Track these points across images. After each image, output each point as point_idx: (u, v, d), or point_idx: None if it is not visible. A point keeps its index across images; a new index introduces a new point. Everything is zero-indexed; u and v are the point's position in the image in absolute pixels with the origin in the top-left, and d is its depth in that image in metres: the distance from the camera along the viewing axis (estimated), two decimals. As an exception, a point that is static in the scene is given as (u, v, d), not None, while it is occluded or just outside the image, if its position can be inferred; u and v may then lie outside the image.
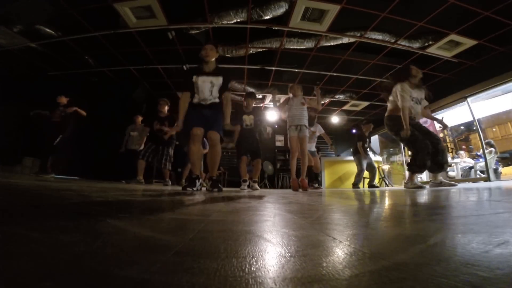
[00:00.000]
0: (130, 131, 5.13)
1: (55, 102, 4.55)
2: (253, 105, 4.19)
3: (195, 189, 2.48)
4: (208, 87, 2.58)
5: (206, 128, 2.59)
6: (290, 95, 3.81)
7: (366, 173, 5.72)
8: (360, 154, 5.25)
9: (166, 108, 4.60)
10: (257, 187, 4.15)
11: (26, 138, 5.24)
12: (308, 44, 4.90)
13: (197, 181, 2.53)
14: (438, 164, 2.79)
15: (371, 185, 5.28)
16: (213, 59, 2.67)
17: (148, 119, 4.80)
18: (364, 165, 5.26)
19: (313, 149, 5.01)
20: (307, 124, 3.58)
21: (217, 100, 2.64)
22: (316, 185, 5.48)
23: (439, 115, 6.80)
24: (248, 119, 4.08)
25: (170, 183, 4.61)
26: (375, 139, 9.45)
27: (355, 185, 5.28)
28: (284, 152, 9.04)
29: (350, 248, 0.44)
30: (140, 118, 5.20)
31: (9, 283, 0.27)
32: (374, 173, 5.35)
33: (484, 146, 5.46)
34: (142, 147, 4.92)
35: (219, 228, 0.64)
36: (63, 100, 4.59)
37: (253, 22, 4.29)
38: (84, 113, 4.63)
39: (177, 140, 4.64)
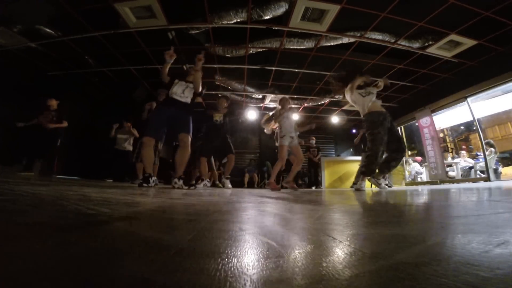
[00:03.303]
0: (118, 134, 5.24)
1: (45, 105, 4.61)
2: (226, 106, 4.34)
3: (148, 185, 2.65)
4: (182, 88, 2.94)
5: (175, 130, 2.82)
6: (279, 107, 3.92)
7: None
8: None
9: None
10: (229, 185, 4.21)
11: (27, 138, 5.25)
12: (308, 44, 4.89)
13: (150, 178, 2.71)
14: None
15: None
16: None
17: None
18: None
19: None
20: (296, 134, 3.80)
21: (188, 101, 2.93)
22: (301, 182, 5.51)
23: (438, 115, 6.83)
24: (218, 116, 4.19)
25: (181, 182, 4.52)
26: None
27: (355, 184, 5.22)
28: (284, 152, 9.04)
29: (350, 248, 0.44)
30: (129, 124, 5.27)
31: (9, 283, 0.27)
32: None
33: (484, 146, 5.46)
34: (131, 148, 5.06)
35: (219, 228, 0.64)
36: (53, 102, 4.65)
37: (253, 22, 4.29)
38: (64, 125, 4.65)
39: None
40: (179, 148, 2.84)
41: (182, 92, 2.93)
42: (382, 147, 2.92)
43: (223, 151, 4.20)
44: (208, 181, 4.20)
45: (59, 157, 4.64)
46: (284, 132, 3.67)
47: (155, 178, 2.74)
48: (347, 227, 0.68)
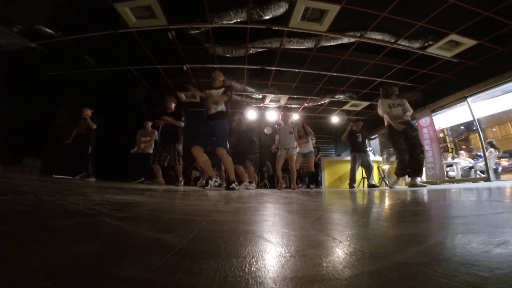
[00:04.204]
0: (141, 137, 5.27)
1: (80, 115, 4.84)
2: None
3: (208, 187, 3.06)
4: (211, 101, 3.16)
5: (214, 141, 3.18)
6: (282, 122, 4.60)
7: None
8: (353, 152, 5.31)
9: (173, 104, 4.67)
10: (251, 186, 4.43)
11: (27, 138, 5.25)
12: (308, 44, 4.89)
13: (210, 181, 3.14)
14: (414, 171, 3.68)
15: (370, 184, 5.22)
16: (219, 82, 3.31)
17: (154, 118, 4.95)
18: (356, 163, 5.22)
19: (308, 150, 4.99)
20: (293, 146, 4.44)
21: (222, 108, 3.17)
22: (313, 186, 5.52)
23: (438, 115, 6.83)
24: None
25: (182, 182, 4.61)
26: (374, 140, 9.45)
27: (350, 185, 5.25)
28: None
29: (350, 248, 0.44)
30: (149, 124, 5.33)
31: (9, 283, 0.27)
32: (370, 171, 5.29)
33: (485, 146, 5.47)
34: (151, 151, 5.13)
35: (219, 228, 0.64)
36: (88, 112, 4.86)
37: (253, 22, 4.29)
38: (94, 125, 4.83)
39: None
40: (221, 160, 3.31)
41: (214, 104, 3.17)
42: (405, 153, 3.65)
43: (241, 156, 4.57)
44: (236, 183, 4.36)
45: (92, 162, 4.82)
46: (282, 146, 4.50)
47: (216, 179, 3.14)
48: (347, 227, 0.68)
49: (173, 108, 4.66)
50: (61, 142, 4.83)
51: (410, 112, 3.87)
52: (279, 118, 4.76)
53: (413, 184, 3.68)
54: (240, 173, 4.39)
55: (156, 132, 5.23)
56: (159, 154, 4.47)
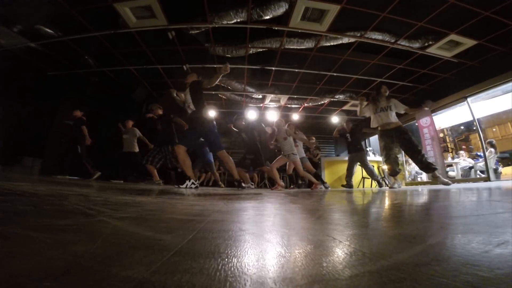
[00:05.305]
0: (123, 135, 5.29)
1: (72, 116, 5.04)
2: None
3: (183, 186, 2.96)
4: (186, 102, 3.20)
5: (209, 147, 3.34)
6: (275, 128, 4.56)
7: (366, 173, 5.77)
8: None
9: (160, 111, 4.80)
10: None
11: (27, 138, 5.25)
12: (308, 44, 4.89)
13: (188, 181, 3.00)
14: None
15: (379, 183, 5.30)
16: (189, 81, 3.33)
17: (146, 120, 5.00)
18: (351, 164, 5.30)
19: (301, 155, 5.06)
20: (294, 152, 4.31)
21: (196, 111, 3.17)
22: (325, 185, 5.54)
23: (438, 115, 6.83)
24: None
25: (161, 182, 4.67)
26: (375, 139, 9.45)
27: (346, 183, 5.32)
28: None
29: (350, 248, 0.44)
30: (130, 122, 5.37)
31: (10, 283, 0.27)
32: (369, 172, 5.32)
33: (485, 146, 5.47)
34: (137, 149, 5.20)
35: (219, 228, 0.64)
36: (77, 113, 5.06)
37: (253, 22, 4.28)
38: (87, 136, 4.97)
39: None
40: (222, 161, 3.28)
41: (186, 104, 3.18)
42: (393, 158, 3.70)
43: (257, 163, 4.69)
44: (252, 184, 4.49)
45: (86, 162, 4.91)
46: (282, 152, 4.43)
47: (194, 180, 3.04)
48: (347, 227, 0.68)
49: (160, 114, 4.78)
50: (61, 142, 4.87)
51: (401, 111, 3.73)
52: (273, 122, 4.76)
53: (434, 177, 3.51)
54: (244, 176, 4.43)
55: (137, 130, 5.26)
56: (152, 156, 4.48)
